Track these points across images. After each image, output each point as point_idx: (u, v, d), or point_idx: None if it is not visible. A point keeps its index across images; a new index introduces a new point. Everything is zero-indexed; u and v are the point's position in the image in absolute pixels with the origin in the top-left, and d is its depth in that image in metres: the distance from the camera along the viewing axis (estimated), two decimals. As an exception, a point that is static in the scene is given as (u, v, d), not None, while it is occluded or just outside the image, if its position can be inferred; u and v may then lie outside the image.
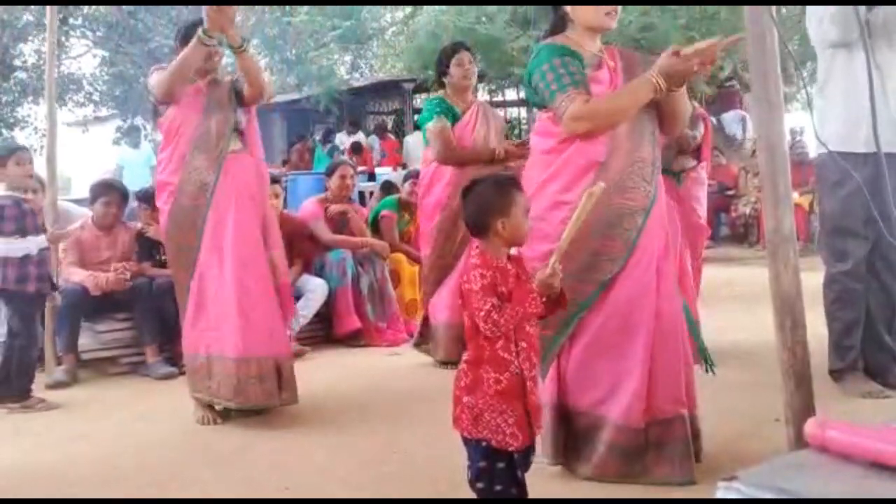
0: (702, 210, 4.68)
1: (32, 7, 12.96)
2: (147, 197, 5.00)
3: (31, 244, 4.02)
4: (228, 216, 3.64)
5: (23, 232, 4.00)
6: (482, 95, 13.77)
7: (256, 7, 13.84)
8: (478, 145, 4.55)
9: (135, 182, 8.93)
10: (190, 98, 3.72)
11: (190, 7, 11.42)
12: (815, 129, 2.94)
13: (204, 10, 3.52)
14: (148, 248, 4.97)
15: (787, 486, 1.00)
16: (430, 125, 4.56)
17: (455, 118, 4.57)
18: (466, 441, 2.27)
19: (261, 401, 3.60)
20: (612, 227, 2.75)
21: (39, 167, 4.80)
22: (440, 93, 4.71)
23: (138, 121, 13.92)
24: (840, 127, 3.49)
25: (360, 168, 10.19)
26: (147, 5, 13.26)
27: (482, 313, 2.16)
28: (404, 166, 11.09)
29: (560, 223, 2.69)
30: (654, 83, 2.65)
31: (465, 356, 2.29)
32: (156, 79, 3.73)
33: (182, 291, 3.75)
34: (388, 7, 14.99)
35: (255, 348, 3.58)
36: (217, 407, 3.68)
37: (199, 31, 3.54)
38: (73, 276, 4.72)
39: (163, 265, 4.81)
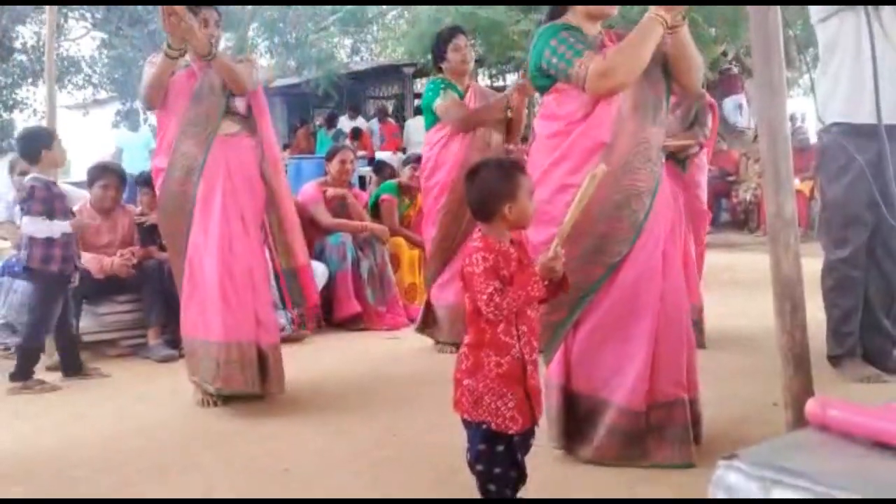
0: (703, 195, 4.72)
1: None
2: (147, 181, 4.99)
3: (56, 228, 4.09)
4: (215, 198, 3.62)
5: (50, 214, 4.08)
6: (482, 80, 13.74)
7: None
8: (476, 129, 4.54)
9: (134, 165, 8.94)
10: (182, 82, 3.69)
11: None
12: (817, 111, 2.93)
13: (161, 15, 3.51)
14: (151, 232, 4.97)
15: (787, 464, 1.01)
16: (438, 102, 4.54)
17: (460, 97, 4.59)
18: (467, 424, 2.28)
19: (240, 387, 3.55)
20: (619, 208, 2.75)
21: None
22: (439, 76, 4.69)
23: (137, 104, 13.88)
24: (846, 98, 3.47)
25: (360, 153, 10.19)
26: (147, 5, 13.19)
27: (484, 296, 2.16)
28: (404, 150, 11.08)
29: (565, 206, 2.68)
30: (658, 18, 2.63)
31: (465, 339, 2.29)
32: (142, 84, 3.74)
33: (178, 274, 3.75)
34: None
35: (237, 333, 3.55)
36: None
37: (165, 44, 3.56)
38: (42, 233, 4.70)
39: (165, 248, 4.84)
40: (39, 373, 4.34)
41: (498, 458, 2.24)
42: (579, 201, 2.32)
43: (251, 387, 3.58)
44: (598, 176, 2.32)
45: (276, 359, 3.69)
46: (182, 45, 3.57)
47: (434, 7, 11.63)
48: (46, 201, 4.08)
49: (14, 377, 4.08)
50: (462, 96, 4.59)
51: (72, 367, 4.24)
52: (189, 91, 3.67)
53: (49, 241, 4.08)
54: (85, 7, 14.46)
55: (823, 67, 3.68)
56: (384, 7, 16.30)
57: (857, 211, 3.63)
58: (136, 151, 10.55)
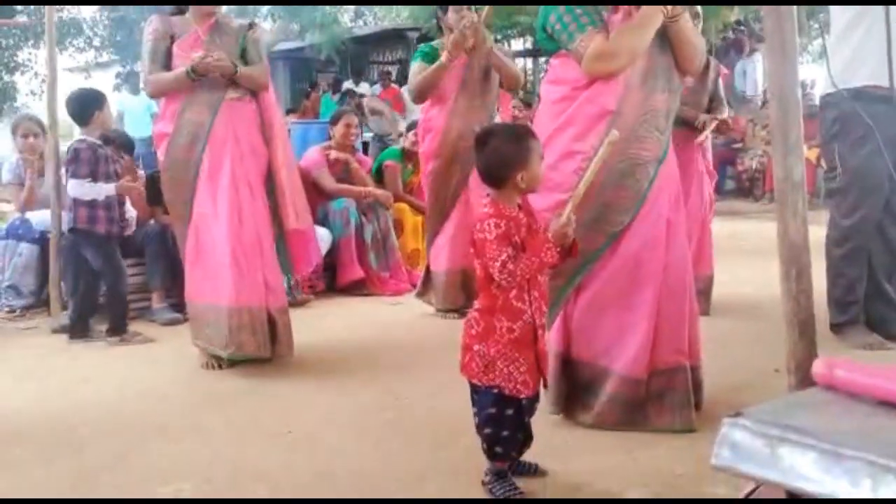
0: (710, 161, 4.76)
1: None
2: (129, 146, 5.00)
3: (101, 190, 4.18)
4: (223, 164, 3.61)
5: (94, 177, 4.15)
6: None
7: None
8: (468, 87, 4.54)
9: (135, 129, 8.89)
10: (187, 46, 3.64)
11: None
12: (830, 76, 2.89)
13: (195, 56, 3.54)
14: (157, 194, 4.95)
15: (793, 422, 1.01)
16: (413, 66, 4.66)
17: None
18: (476, 388, 2.29)
19: (252, 351, 3.58)
20: (624, 177, 2.73)
21: (41, 113, 4.78)
22: (440, 40, 4.66)
23: (138, 66, 13.77)
24: (878, 63, 3.40)
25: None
26: (143, 5, 13.04)
27: (498, 263, 2.16)
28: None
29: (572, 173, 2.68)
30: (661, 8, 2.63)
31: (476, 304, 2.30)
32: (145, 77, 3.73)
33: (182, 239, 3.75)
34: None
35: (248, 298, 3.57)
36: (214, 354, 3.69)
37: (187, 70, 3.55)
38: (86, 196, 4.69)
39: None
40: (44, 336, 4.38)
41: (507, 422, 2.27)
42: (594, 167, 2.31)
43: (262, 351, 3.61)
44: (613, 142, 2.31)
45: (284, 323, 3.71)
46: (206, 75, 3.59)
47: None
48: (91, 163, 4.14)
49: (74, 333, 4.28)
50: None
51: (118, 329, 4.26)
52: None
53: (93, 203, 4.14)
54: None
55: (846, 33, 3.60)
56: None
57: (877, 181, 3.60)
58: (137, 115, 10.49)
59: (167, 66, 3.67)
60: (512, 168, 2.25)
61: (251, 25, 3.88)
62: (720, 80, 4.72)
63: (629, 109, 2.73)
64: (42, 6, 9.21)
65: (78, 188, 4.12)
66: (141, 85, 12.08)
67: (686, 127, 4.43)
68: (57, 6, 8.53)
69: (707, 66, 4.56)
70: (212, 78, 3.60)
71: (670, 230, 2.80)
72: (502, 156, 2.27)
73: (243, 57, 3.72)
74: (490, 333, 2.23)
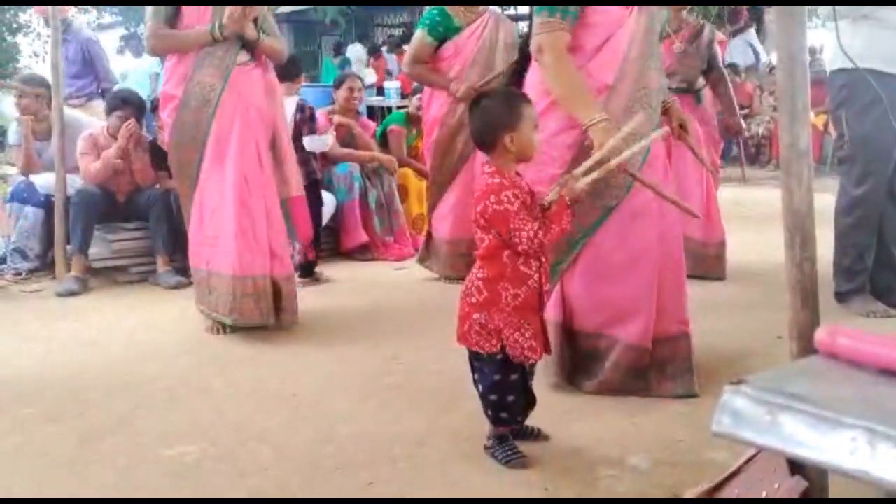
0: (716, 128, 4.76)
1: None
2: (126, 98, 4.96)
3: (320, 143, 5.01)
4: (233, 130, 3.58)
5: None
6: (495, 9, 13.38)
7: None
8: (481, 56, 4.45)
9: (138, 91, 8.82)
10: (199, 9, 3.59)
11: None
12: (841, 47, 2.85)
13: (227, 10, 3.48)
14: (163, 158, 4.94)
15: (795, 390, 1.01)
16: (417, 33, 4.55)
17: (452, 30, 4.45)
18: (477, 356, 2.29)
19: (255, 319, 3.59)
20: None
21: (46, 74, 4.75)
22: (441, 7, 4.52)
23: (141, 29, 13.65)
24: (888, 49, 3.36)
25: (370, 80, 10.07)
26: (147, 5, 12.81)
27: (528, 234, 2.16)
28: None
29: (566, 148, 2.67)
30: (587, 122, 2.57)
31: (480, 273, 2.27)
32: (150, 31, 3.64)
33: (186, 204, 3.74)
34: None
35: (253, 267, 3.57)
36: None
37: (214, 25, 3.50)
38: (92, 166, 4.69)
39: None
40: (50, 299, 4.40)
41: (512, 387, 2.29)
42: (635, 147, 2.36)
43: (266, 319, 3.62)
44: (657, 139, 2.30)
45: (289, 290, 3.72)
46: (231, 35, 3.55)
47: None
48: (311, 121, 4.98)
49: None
50: (460, 28, 4.44)
51: (309, 273, 4.70)
52: (207, 17, 3.58)
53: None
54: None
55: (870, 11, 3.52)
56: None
57: (885, 148, 3.57)
58: (140, 77, 10.41)
59: (173, 23, 3.61)
60: (499, 130, 2.23)
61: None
62: (717, 48, 4.63)
63: (625, 85, 2.73)
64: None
65: (310, 142, 4.83)
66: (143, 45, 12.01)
67: (684, 93, 4.42)
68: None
69: (700, 32, 4.52)
70: (220, 46, 3.56)
71: (661, 201, 2.80)
72: (490, 117, 2.26)
73: (255, 22, 3.67)
74: (494, 302, 2.23)
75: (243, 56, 3.64)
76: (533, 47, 2.71)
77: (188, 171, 3.67)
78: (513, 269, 2.23)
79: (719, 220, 4.56)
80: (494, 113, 2.26)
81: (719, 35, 4.65)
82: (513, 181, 2.23)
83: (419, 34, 4.50)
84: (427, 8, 4.68)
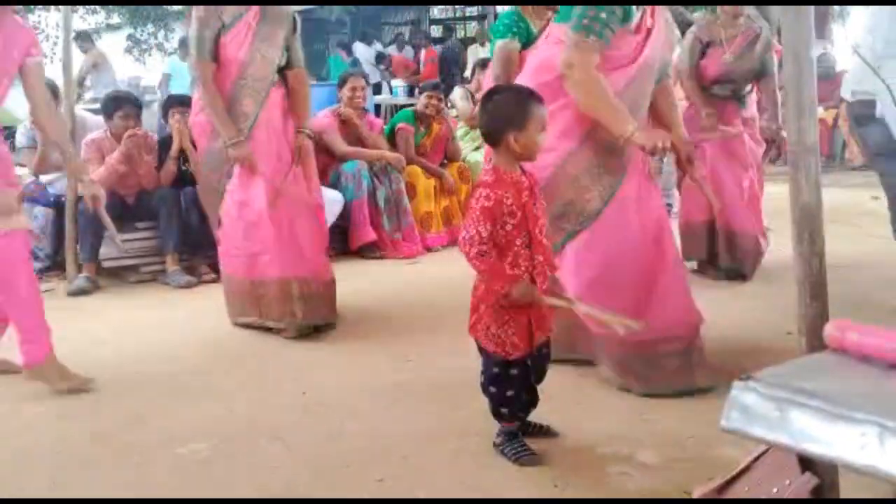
0: (756, 128, 4.67)
1: None
2: (183, 100, 4.97)
3: None
4: (262, 151, 3.65)
5: None
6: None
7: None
8: None
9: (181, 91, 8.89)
10: (237, 37, 3.63)
11: None
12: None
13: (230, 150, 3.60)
14: (167, 152, 4.96)
15: (804, 386, 1.01)
16: (498, 43, 3.82)
17: (529, 39, 3.76)
18: (481, 348, 2.31)
19: (309, 319, 3.63)
20: (592, 180, 2.83)
21: (56, 76, 4.77)
22: (513, 8, 3.95)
23: (145, 33, 13.72)
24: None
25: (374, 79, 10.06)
26: (150, 5, 12.88)
27: (467, 234, 2.17)
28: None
29: (542, 169, 2.65)
30: (626, 133, 2.68)
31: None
32: (199, 72, 3.65)
33: (211, 211, 3.88)
34: None
35: (295, 270, 3.62)
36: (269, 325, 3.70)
37: (230, 144, 3.61)
38: (96, 173, 4.71)
39: (184, 176, 4.92)
40: (61, 298, 4.42)
41: (511, 382, 2.28)
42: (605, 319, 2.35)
43: (316, 318, 3.68)
44: (630, 328, 2.27)
45: (329, 291, 3.80)
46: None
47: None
48: None
49: None
50: (534, 37, 3.69)
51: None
52: (247, 46, 3.62)
53: None
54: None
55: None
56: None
57: None
58: (186, 79, 10.49)
59: (214, 55, 3.63)
60: (506, 127, 2.23)
61: (294, 22, 3.87)
62: (774, 57, 4.46)
63: (629, 98, 2.79)
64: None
65: None
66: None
67: (728, 99, 4.43)
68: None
69: (755, 41, 4.44)
70: (259, 76, 3.63)
71: (642, 214, 2.85)
72: (499, 113, 2.26)
73: (287, 48, 3.75)
74: (485, 297, 2.25)
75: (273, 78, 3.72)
76: (563, 63, 2.75)
77: (213, 194, 3.82)
78: (499, 267, 2.22)
79: (759, 221, 4.53)
80: (504, 110, 2.25)
81: (776, 45, 4.49)
82: (501, 177, 2.23)
83: (500, 44, 3.78)
84: (500, 13, 4.39)
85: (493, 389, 2.30)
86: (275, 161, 3.68)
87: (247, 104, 3.64)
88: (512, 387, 2.29)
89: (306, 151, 3.81)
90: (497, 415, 2.33)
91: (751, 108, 4.64)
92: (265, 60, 3.65)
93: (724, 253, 4.43)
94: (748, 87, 4.57)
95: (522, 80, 2.95)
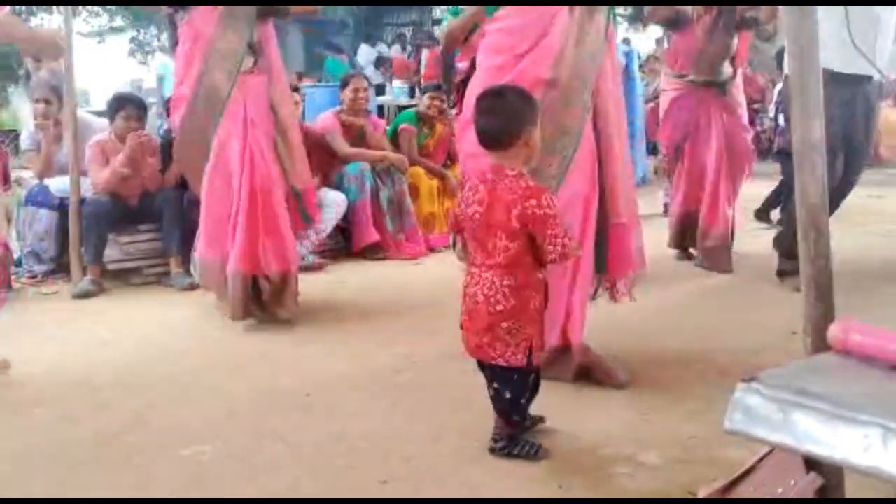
0: (745, 116, 4.70)
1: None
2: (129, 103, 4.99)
3: None
4: (233, 139, 3.68)
5: None
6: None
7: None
8: None
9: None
10: (206, 10, 3.67)
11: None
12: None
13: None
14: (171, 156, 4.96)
15: (807, 387, 1.00)
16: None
17: None
18: (501, 368, 2.27)
19: (238, 314, 3.69)
20: (553, 142, 2.74)
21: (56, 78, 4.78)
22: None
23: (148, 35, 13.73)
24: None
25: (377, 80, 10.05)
26: (147, 5, 12.89)
27: (561, 242, 2.15)
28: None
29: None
30: None
31: (505, 281, 2.20)
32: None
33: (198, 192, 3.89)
34: None
35: (249, 265, 3.66)
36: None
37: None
38: (100, 176, 4.72)
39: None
40: (65, 301, 4.43)
41: (528, 387, 2.32)
42: None
43: (244, 313, 3.71)
44: None
45: (289, 285, 3.80)
46: None
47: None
48: None
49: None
50: None
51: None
52: (215, 19, 3.66)
53: None
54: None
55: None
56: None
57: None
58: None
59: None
60: (524, 125, 2.21)
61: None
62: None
63: (564, 76, 2.74)
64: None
65: None
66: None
67: (708, 86, 4.42)
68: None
69: (720, 15, 4.46)
70: (228, 50, 3.64)
71: (587, 207, 2.81)
72: (514, 113, 2.23)
73: (250, 46, 3.73)
74: (523, 310, 2.21)
75: (247, 62, 3.72)
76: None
77: (197, 165, 3.81)
78: (535, 278, 2.23)
79: (722, 211, 4.59)
80: (519, 108, 2.23)
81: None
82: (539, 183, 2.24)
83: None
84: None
85: (513, 399, 2.31)
86: (246, 148, 3.68)
87: (217, 77, 3.66)
88: (528, 391, 2.31)
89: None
90: (509, 421, 2.33)
91: (734, 94, 4.61)
92: (235, 36, 3.66)
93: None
94: (727, 73, 4.54)
95: (478, 74, 2.93)
